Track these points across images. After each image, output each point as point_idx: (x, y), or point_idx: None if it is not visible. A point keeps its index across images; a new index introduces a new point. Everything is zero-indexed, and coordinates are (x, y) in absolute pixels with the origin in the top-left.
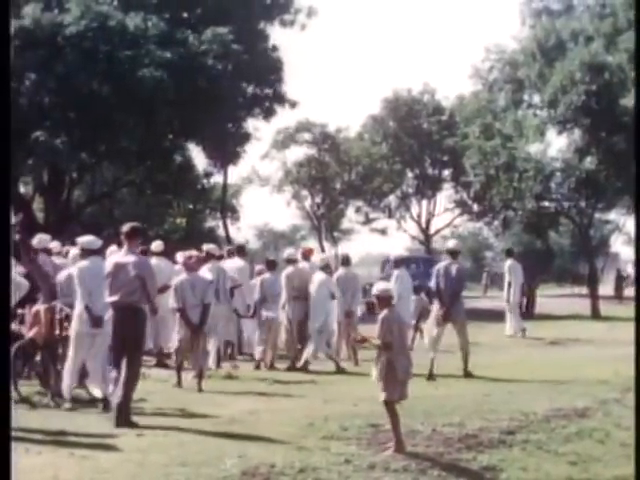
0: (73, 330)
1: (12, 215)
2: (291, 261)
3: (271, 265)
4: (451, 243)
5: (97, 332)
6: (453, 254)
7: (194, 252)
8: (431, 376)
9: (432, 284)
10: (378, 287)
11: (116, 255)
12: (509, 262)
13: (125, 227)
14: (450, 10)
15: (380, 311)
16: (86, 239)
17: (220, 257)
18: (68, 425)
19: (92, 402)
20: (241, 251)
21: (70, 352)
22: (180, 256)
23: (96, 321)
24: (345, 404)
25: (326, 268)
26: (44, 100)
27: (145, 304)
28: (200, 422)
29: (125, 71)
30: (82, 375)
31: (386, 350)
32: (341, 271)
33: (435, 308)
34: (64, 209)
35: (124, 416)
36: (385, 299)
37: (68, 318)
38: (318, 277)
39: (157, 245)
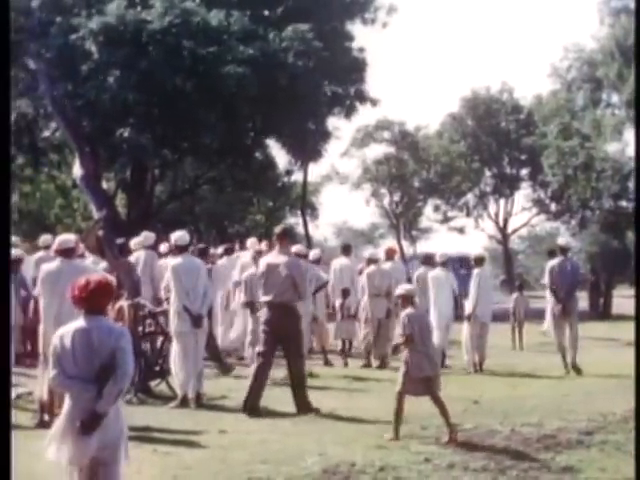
0: (175, 329)
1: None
2: (372, 261)
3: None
4: (562, 240)
5: (198, 331)
6: (564, 251)
7: (263, 247)
8: (575, 368)
9: (546, 281)
10: (403, 287)
11: (269, 256)
12: (551, 263)
13: (277, 229)
14: (529, 9)
15: (403, 309)
16: (179, 235)
17: (305, 257)
18: (152, 421)
19: (172, 398)
20: (347, 250)
21: (176, 350)
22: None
23: (196, 321)
24: (423, 403)
25: (445, 264)
26: (128, 97)
27: (297, 302)
28: (281, 420)
29: (208, 68)
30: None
31: (407, 344)
32: (420, 270)
33: (550, 305)
34: (146, 206)
35: (304, 405)
36: (408, 298)
37: (152, 315)
38: (438, 274)
39: (252, 242)
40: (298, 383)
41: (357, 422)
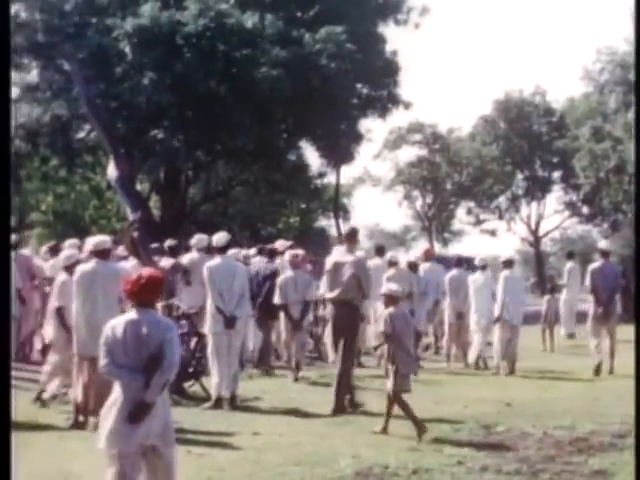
0: (209, 330)
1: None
2: (393, 263)
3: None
4: (603, 244)
5: (232, 332)
6: (605, 254)
7: (300, 251)
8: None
9: (588, 284)
10: (389, 287)
11: (336, 254)
12: (569, 264)
13: (345, 229)
14: (562, 12)
15: (386, 308)
16: (218, 236)
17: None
18: (186, 422)
19: (205, 399)
20: (380, 251)
21: (210, 351)
22: (287, 255)
23: (229, 322)
24: (456, 405)
25: (484, 268)
26: (162, 99)
27: (361, 301)
28: (314, 422)
29: (242, 70)
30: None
31: (386, 341)
32: (454, 272)
33: (592, 308)
34: (180, 207)
35: (349, 401)
36: (393, 298)
37: (185, 316)
38: (478, 277)
39: (281, 244)
40: (341, 381)
41: (390, 424)
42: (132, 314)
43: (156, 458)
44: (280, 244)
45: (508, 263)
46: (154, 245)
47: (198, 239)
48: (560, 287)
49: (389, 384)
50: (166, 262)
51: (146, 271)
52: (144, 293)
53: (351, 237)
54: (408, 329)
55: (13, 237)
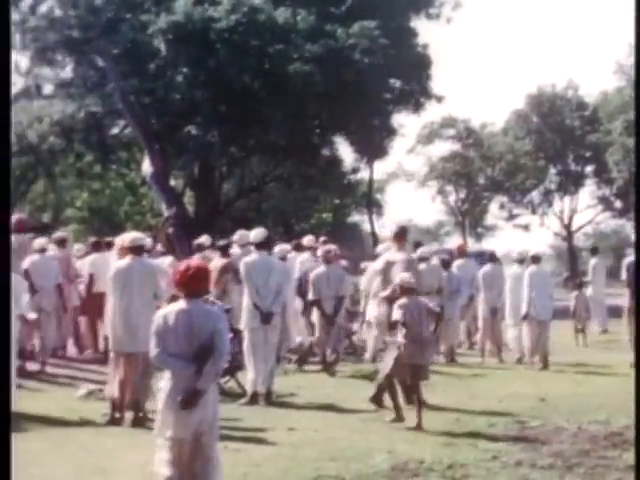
0: (245, 326)
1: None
2: (423, 259)
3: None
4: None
5: (268, 327)
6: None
7: (333, 246)
8: None
9: (624, 278)
10: (401, 277)
11: (387, 253)
12: (593, 261)
13: (394, 228)
14: (594, 5)
15: (401, 298)
16: (256, 232)
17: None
18: (222, 418)
19: (241, 395)
20: (418, 247)
21: (246, 347)
22: (320, 250)
23: (265, 317)
24: (490, 400)
25: (522, 262)
26: (196, 95)
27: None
28: (349, 417)
29: (274, 66)
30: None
31: (392, 329)
32: (487, 268)
33: (627, 302)
34: (214, 203)
35: (411, 398)
36: (406, 289)
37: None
38: (517, 270)
39: (308, 240)
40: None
41: (424, 419)
42: (182, 304)
43: (198, 448)
44: (308, 240)
45: (535, 259)
46: (198, 242)
47: (240, 235)
48: (587, 283)
49: (387, 368)
50: (218, 262)
51: (194, 262)
52: (192, 283)
53: (401, 236)
54: (420, 320)
55: (59, 234)
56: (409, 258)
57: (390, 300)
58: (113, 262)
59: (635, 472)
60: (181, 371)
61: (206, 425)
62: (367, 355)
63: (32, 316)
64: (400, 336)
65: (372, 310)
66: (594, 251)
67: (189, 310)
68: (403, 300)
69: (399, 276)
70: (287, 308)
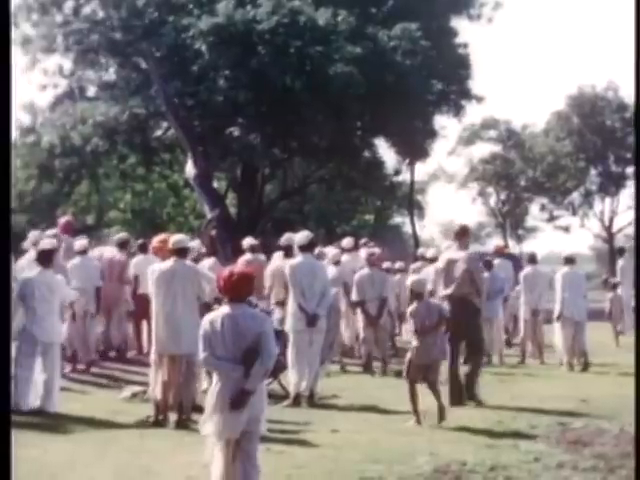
0: (290, 328)
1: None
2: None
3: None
4: None
5: (314, 330)
6: None
7: (377, 249)
8: None
9: None
10: (412, 281)
11: (448, 252)
12: (621, 262)
13: (456, 227)
14: (635, 6)
15: (412, 302)
16: (301, 235)
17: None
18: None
19: (284, 397)
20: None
21: (291, 349)
22: (363, 252)
23: (311, 320)
24: (532, 402)
25: (572, 262)
26: (238, 96)
27: (476, 297)
28: (391, 419)
29: (315, 67)
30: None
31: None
32: (528, 269)
33: None
34: (256, 205)
35: (473, 396)
36: (417, 293)
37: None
38: (567, 271)
39: (348, 242)
40: (471, 374)
41: (466, 421)
42: (228, 308)
43: (241, 445)
44: (347, 242)
45: (568, 260)
46: (251, 244)
47: (287, 238)
48: (619, 284)
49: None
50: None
51: (237, 268)
52: (236, 289)
53: (462, 234)
54: (430, 322)
55: (120, 235)
56: (471, 256)
57: (452, 299)
58: (156, 264)
59: (635, 472)
60: (229, 373)
61: (254, 425)
62: None
63: (66, 317)
64: (413, 340)
65: None
66: (621, 252)
67: (234, 314)
68: (413, 306)
69: (409, 280)
70: (337, 311)
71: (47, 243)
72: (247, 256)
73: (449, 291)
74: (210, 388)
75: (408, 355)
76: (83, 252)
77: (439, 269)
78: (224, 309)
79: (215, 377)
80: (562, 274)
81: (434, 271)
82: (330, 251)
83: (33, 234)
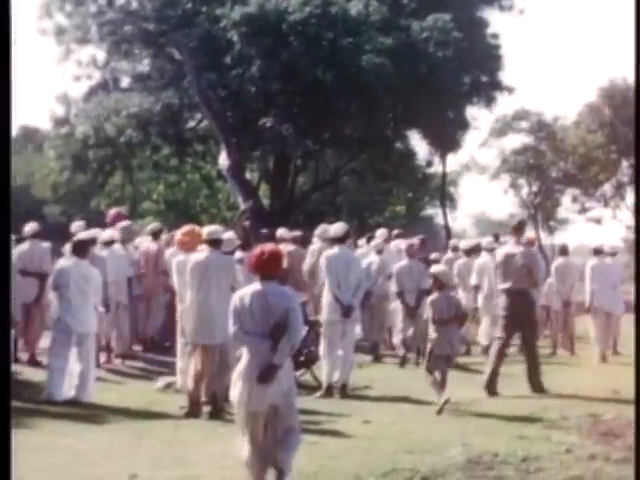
0: (324, 318)
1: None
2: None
3: None
4: None
5: (348, 321)
6: None
7: (415, 240)
8: None
9: None
10: (437, 270)
11: (506, 246)
12: None
13: (513, 222)
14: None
15: (435, 291)
16: (336, 226)
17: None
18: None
19: (316, 388)
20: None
21: (323, 340)
22: (402, 243)
23: (346, 311)
24: (563, 393)
25: (601, 253)
26: (270, 87)
27: (533, 289)
28: (424, 409)
29: (347, 58)
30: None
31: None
32: (560, 261)
33: None
34: (289, 196)
35: (538, 385)
36: (440, 282)
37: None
38: (598, 263)
39: (381, 233)
40: (532, 365)
41: (498, 412)
42: (258, 285)
43: (278, 419)
44: (380, 233)
45: (597, 251)
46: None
47: (322, 229)
48: None
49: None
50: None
51: (267, 247)
52: (266, 266)
53: (519, 229)
54: (449, 313)
55: (154, 225)
56: (529, 250)
57: (510, 292)
58: (191, 255)
59: (635, 471)
60: (257, 348)
61: (280, 398)
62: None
63: (101, 309)
64: (431, 331)
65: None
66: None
67: (264, 291)
68: (434, 295)
69: (433, 268)
70: (386, 301)
71: (84, 234)
72: (289, 247)
73: (507, 285)
74: (239, 363)
75: (428, 346)
76: (111, 243)
77: (497, 263)
78: (254, 286)
79: (244, 352)
80: (591, 266)
81: (495, 264)
82: (381, 235)
83: (76, 225)
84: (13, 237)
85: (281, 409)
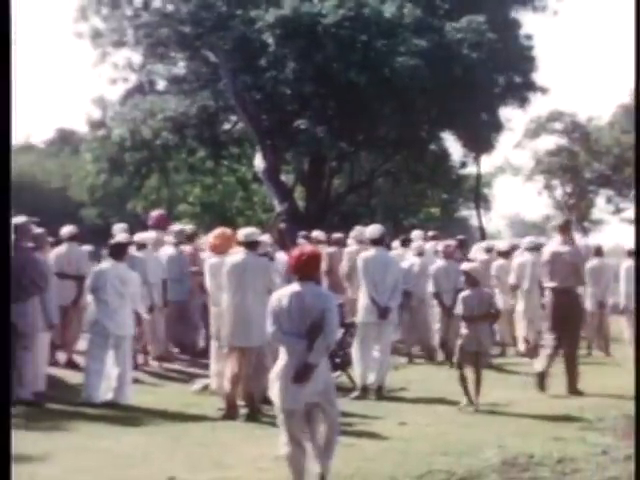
0: (360, 320)
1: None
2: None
3: None
4: None
5: (384, 323)
6: None
7: (452, 241)
8: None
9: None
10: (469, 266)
11: (552, 245)
12: None
13: (559, 221)
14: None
15: (467, 288)
16: (372, 228)
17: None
18: None
19: (352, 390)
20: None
21: (357, 341)
22: (440, 245)
23: (382, 313)
24: (599, 394)
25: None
26: (304, 89)
27: (578, 287)
28: (458, 411)
29: (381, 60)
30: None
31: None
32: (594, 262)
33: None
34: (324, 198)
35: (573, 387)
36: (472, 279)
37: None
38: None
39: (417, 235)
40: (570, 365)
41: (533, 413)
42: (296, 286)
43: (320, 414)
44: (416, 235)
45: (631, 253)
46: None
47: (358, 231)
48: None
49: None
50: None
51: (307, 248)
52: (305, 268)
53: (565, 228)
54: (479, 311)
55: (188, 228)
56: (575, 249)
57: (556, 290)
58: (227, 257)
59: (635, 471)
60: (295, 347)
61: (317, 397)
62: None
63: (146, 316)
64: (462, 327)
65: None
66: None
67: (301, 292)
68: (466, 292)
69: (464, 265)
70: (426, 304)
71: (122, 237)
72: (329, 249)
73: (554, 283)
74: (277, 363)
75: (459, 342)
76: (143, 246)
77: (544, 261)
78: (292, 287)
79: (281, 352)
80: (625, 267)
81: (542, 262)
82: (418, 237)
83: (118, 227)
84: (50, 239)
85: (322, 405)
